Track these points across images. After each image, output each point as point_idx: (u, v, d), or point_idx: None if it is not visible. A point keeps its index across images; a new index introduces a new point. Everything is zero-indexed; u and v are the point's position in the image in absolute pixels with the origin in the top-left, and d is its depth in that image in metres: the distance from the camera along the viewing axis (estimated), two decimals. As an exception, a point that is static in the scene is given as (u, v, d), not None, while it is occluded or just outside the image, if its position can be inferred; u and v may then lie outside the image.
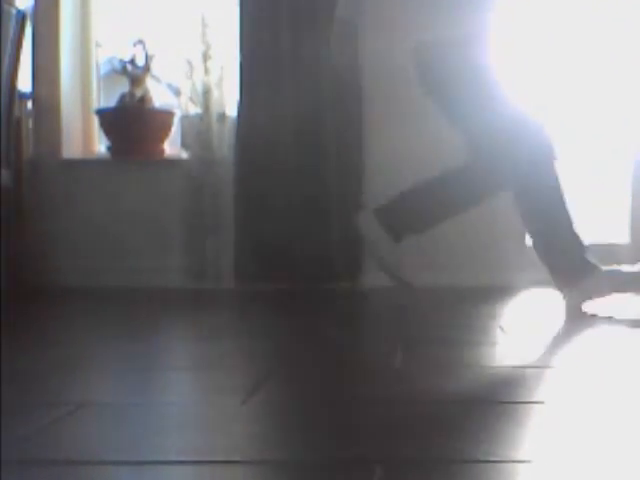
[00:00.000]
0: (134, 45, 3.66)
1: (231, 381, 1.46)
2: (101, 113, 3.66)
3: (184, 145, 3.48)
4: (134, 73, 3.64)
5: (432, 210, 2.66)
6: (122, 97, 3.64)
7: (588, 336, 1.95)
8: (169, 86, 3.75)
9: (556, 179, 2.58)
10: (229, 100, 3.48)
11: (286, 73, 3.35)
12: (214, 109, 3.47)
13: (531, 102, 2.69)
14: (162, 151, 3.66)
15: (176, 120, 3.62)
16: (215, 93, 3.46)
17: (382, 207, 2.65)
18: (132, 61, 3.66)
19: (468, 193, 2.64)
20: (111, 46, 3.79)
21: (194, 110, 3.46)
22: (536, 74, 2.93)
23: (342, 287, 3.29)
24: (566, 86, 3.46)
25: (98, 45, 3.78)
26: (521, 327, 2.17)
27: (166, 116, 3.65)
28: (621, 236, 3.43)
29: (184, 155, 3.48)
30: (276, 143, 3.36)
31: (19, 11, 3.22)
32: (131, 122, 3.60)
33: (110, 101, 3.71)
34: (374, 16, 3.37)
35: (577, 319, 2.28)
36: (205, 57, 3.44)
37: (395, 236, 2.63)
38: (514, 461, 0.93)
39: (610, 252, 3.40)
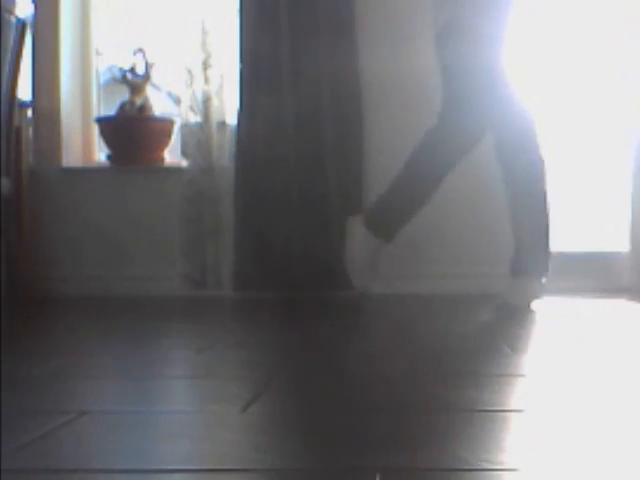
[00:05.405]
0: (134, 53, 3.67)
1: (230, 389, 1.46)
2: (101, 121, 3.66)
3: (184, 153, 3.48)
4: (134, 81, 3.65)
5: (412, 191, 2.74)
6: (122, 105, 3.64)
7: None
8: (169, 94, 3.75)
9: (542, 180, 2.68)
10: (229, 108, 3.48)
11: (286, 81, 3.35)
12: (214, 118, 3.47)
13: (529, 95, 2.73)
14: (162, 159, 3.66)
15: (176, 128, 3.63)
16: (215, 101, 3.46)
17: (368, 215, 2.79)
18: (132, 69, 3.66)
19: (439, 159, 2.70)
20: (111, 54, 3.80)
21: (194, 118, 3.46)
22: (537, 76, 2.95)
23: (343, 294, 3.29)
24: (566, 90, 3.47)
25: (98, 53, 3.78)
26: (521, 334, 2.16)
27: (166, 124, 3.65)
28: (621, 244, 3.42)
29: (184, 164, 3.48)
30: (276, 151, 3.36)
31: (19, 20, 3.23)
32: (131, 131, 3.61)
33: (110, 109, 3.72)
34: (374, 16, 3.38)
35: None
36: (205, 65, 3.45)
37: (386, 237, 2.73)
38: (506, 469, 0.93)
39: (610, 260, 3.40)
